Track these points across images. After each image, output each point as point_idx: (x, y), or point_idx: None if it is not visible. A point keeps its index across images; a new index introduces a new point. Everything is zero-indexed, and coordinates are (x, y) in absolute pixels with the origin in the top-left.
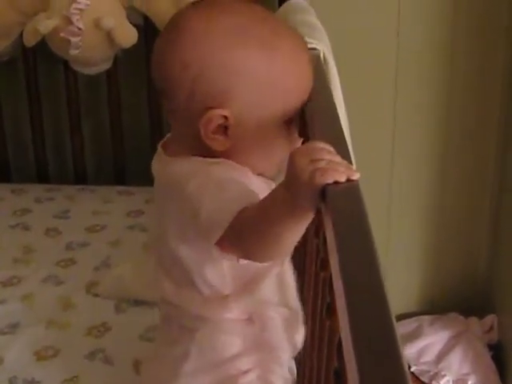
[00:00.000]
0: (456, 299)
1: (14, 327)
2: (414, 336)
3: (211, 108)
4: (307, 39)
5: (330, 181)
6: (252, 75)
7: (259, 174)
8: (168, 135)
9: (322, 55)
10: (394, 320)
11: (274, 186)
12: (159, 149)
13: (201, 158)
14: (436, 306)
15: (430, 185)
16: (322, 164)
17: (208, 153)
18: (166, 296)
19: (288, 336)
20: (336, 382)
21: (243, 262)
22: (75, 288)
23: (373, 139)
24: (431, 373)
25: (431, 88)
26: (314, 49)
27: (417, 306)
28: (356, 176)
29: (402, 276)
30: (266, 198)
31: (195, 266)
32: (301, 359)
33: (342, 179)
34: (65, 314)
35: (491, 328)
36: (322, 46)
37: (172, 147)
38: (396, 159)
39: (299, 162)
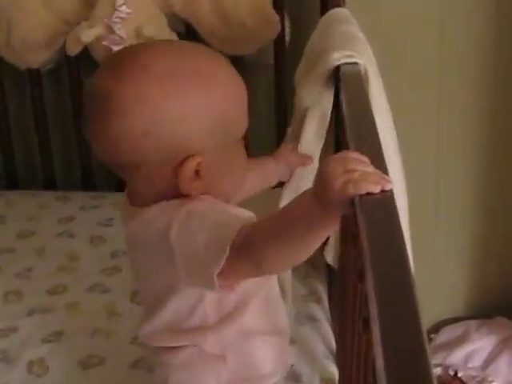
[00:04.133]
0: (503, 303)
1: (58, 335)
2: (460, 341)
3: (185, 160)
4: (349, 53)
5: (363, 192)
6: (199, 115)
7: (227, 201)
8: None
9: (363, 70)
10: (425, 336)
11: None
12: (125, 199)
13: (176, 201)
14: (483, 311)
15: (477, 187)
16: (355, 175)
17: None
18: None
19: (278, 360)
20: None
21: (235, 290)
22: (120, 296)
23: (416, 142)
24: (478, 378)
25: (476, 89)
26: (356, 63)
27: (464, 310)
28: (389, 186)
29: (448, 281)
30: (288, 206)
31: (180, 309)
32: (340, 373)
33: (375, 190)
34: (109, 323)
35: None
36: (365, 59)
37: (137, 199)
38: (441, 159)
39: (333, 170)
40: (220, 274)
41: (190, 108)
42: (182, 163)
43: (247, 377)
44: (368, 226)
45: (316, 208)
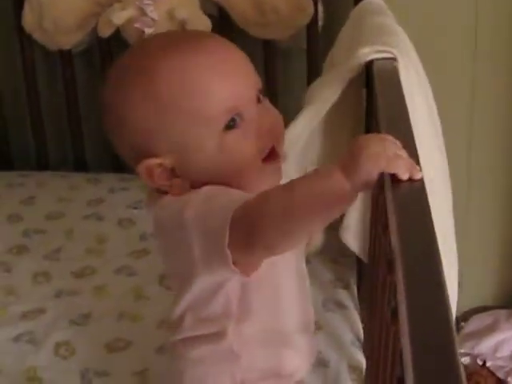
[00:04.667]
0: None
1: (85, 318)
2: (490, 330)
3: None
4: (381, 48)
5: (393, 171)
6: (148, 111)
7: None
8: None
9: (397, 63)
10: (454, 331)
11: None
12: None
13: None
14: None
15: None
16: (389, 152)
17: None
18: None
19: (300, 361)
20: None
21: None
22: (148, 280)
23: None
24: (507, 368)
25: (508, 92)
26: (391, 58)
27: (493, 299)
28: (419, 176)
29: (478, 269)
30: (303, 179)
31: (203, 292)
32: (367, 362)
33: (404, 176)
34: (137, 306)
35: None
36: (402, 52)
37: None
38: (473, 152)
39: (368, 142)
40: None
41: (135, 106)
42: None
43: (265, 376)
44: (398, 216)
45: (340, 180)
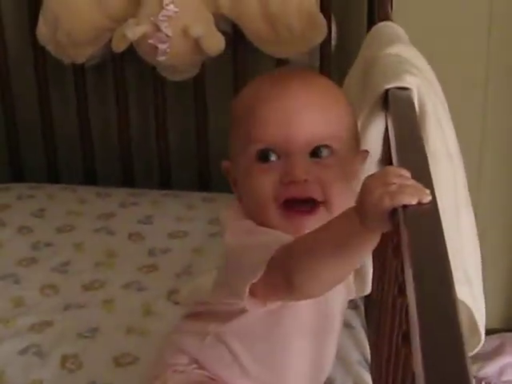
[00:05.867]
0: None
1: (93, 331)
2: (496, 353)
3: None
4: (399, 85)
5: (399, 204)
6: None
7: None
8: None
9: (414, 94)
10: (467, 354)
11: None
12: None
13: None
14: None
15: None
16: (392, 187)
17: None
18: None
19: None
20: None
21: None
22: (156, 295)
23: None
24: None
25: None
26: (406, 88)
27: (500, 322)
28: (427, 199)
29: (486, 292)
30: (329, 222)
31: None
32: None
33: (413, 202)
34: (145, 321)
35: None
36: (418, 82)
37: None
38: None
39: (370, 184)
40: (254, 286)
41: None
42: None
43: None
44: (411, 239)
45: (355, 223)
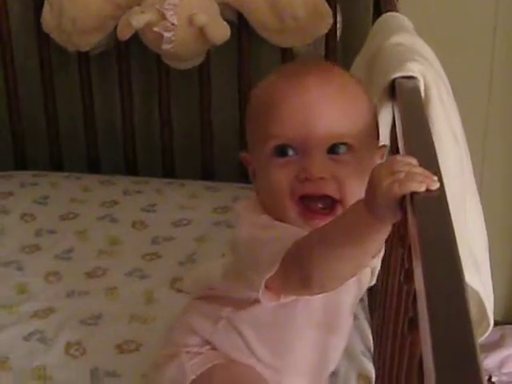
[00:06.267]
0: None
1: (96, 319)
2: (496, 346)
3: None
4: (405, 74)
5: (408, 191)
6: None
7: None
8: None
9: (421, 83)
10: (476, 338)
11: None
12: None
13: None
14: None
15: None
16: (400, 175)
17: None
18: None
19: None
20: None
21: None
22: (159, 283)
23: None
24: None
25: None
26: (412, 77)
27: (501, 315)
28: (435, 186)
29: None
30: (340, 215)
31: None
32: (377, 372)
33: (421, 189)
34: (147, 309)
35: None
36: (423, 70)
37: None
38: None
39: (378, 174)
40: (269, 280)
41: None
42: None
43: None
44: (419, 227)
45: (365, 214)
